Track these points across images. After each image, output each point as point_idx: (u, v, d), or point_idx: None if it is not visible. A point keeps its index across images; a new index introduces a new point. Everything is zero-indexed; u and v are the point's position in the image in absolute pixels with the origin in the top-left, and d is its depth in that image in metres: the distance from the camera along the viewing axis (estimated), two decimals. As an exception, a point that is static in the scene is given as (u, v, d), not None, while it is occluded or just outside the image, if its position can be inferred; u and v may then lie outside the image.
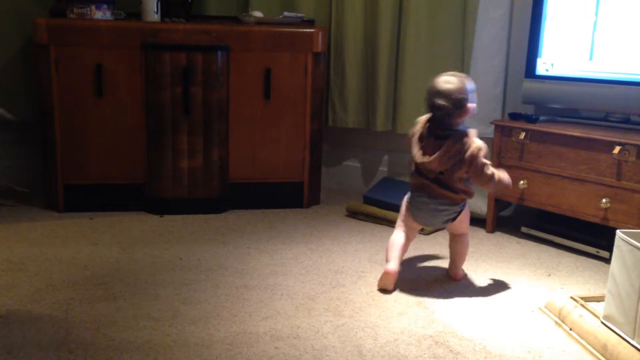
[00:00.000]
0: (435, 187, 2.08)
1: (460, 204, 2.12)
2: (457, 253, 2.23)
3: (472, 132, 2.06)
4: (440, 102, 2.01)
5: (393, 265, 2.10)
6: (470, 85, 2.05)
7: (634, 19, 2.43)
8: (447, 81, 2.03)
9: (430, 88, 2.06)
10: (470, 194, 2.12)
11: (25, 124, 3.07)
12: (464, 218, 2.17)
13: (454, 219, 2.13)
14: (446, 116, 2.02)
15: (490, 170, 2.05)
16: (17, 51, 2.97)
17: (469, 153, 2.01)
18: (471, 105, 2.03)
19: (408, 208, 2.18)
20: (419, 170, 2.11)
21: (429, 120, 2.11)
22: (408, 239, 2.18)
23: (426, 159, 2.05)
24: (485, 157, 2.04)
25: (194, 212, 2.85)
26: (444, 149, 2.02)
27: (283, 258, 2.38)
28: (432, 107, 2.05)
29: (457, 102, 2.00)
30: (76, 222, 2.70)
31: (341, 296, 2.07)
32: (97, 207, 2.83)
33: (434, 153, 2.04)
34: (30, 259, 2.28)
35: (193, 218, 2.80)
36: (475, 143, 2.02)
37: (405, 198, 2.21)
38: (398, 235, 2.17)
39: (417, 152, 2.09)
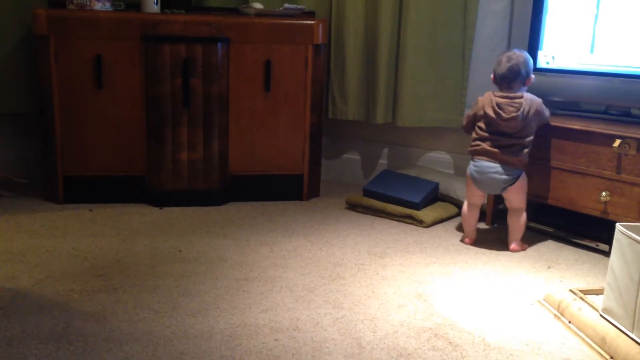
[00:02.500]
0: (499, 153, 2.36)
1: (518, 170, 2.39)
2: (513, 228, 2.46)
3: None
4: (518, 68, 2.36)
5: (469, 238, 2.53)
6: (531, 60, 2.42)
7: (635, 12, 2.42)
8: (519, 54, 2.38)
9: (505, 58, 2.38)
10: (526, 163, 2.40)
11: (25, 115, 3.06)
12: (521, 190, 2.42)
13: (512, 184, 2.38)
14: (520, 81, 2.38)
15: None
16: (17, 42, 2.96)
17: (538, 107, 2.38)
18: (533, 75, 2.42)
19: (470, 176, 2.44)
20: (482, 137, 2.40)
21: (499, 88, 2.41)
22: (474, 209, 2.50)
23: (513, 115, 2.33)
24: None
25: (193, 204, 2.85)
26: (524, 108, 2.34)
27: (283, 250, 2.38)
28: (510, 72, 2.36)
29: (528, 70, 2.39)
30: (76, 213, 2.70)
31: (341, 288, 2.07)
32: (96, 199, 2.83)
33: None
34: (30, 250, 2.28)
35: (193, 210, 2.80)
36: (537, 100, 2.40)
37: (468, 169, 2.46)
38: (465, 210, 2.52)
39: (495, 115, 2.35)
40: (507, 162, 2.36)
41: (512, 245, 2.46)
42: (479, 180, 2.41)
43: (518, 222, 2.45)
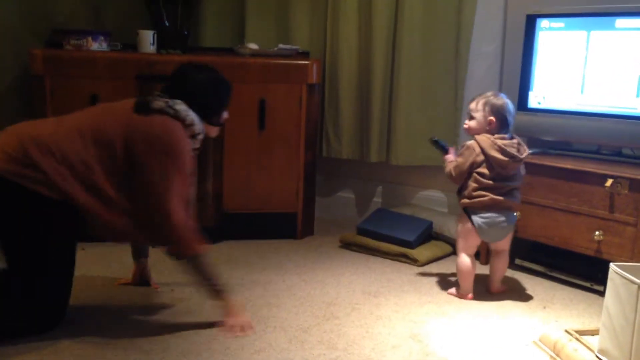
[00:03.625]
0: (506, 201, 2.28)
1: (517, 213, 2.39)
2: (499, 269, 2.42)
3: None
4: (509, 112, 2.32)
5: (471, 293, 2.38)
6: None
7: (624, 53, 2.47)
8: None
9: (508, 106, 2.32)
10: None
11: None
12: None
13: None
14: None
15: None
16: (13, 81, 2.98)
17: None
18: None
19: (478, 228, 2.30)
20: (485, 186, 2.27)
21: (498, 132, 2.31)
22: (474, 262, 2.38)
23: (524, 155, 2.28)
24: None
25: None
26: (523, 149, 2.29)
27: (276, 289, 2.36)
28: (510, 121, 2.33)
29: None
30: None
31: (335, 328, 2.05)
32: (89, 238, 2.80)
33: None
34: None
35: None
36: None
37: (465, 222, 2.33)
38: (467, 263, 2.36)
39: (508, 157, 2.25)
40: (513, 208, 2.31)
41: (498, 287, 2.43)
42: (486, 231, 2.29)
43: (505, 263, 2.42)
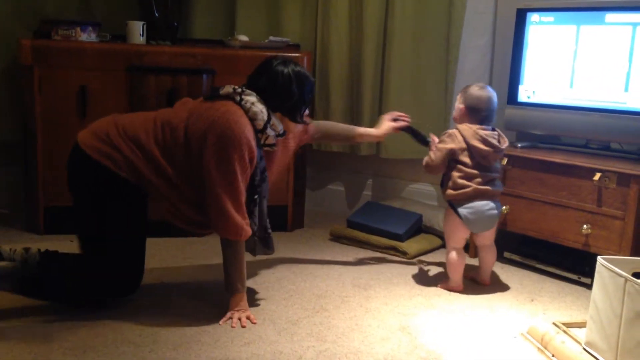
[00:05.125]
0: (491, 190, 2.29)
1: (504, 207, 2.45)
2: (489, 262, 2.44)
3: None
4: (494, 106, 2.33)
5: (460, 286, 2.38)
6: None
7: (613, 48, 2.48)
8: (491, 90, 2.33)
9: (485, 91, 2.31)
10: None
11: (6, 144, 3.04)
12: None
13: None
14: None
15: None
16: (2, 71, 2.96)
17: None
18: None
19: (465, 219, 2.29)
20: (468, 175, 2.27)
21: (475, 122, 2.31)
22: (462, 255, 2.37)
23: (505, 145, 2.31)
24: None
25: (176, 234, 2.82)
26: (503, 140, 2.31)
27: (266, 282, 2.36)
28: (494, 105, 2.32)
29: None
30: (56, 244, 2.65)
31: (324, 321, 2.06)
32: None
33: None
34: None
35: (176, 241, 2.78)
36: None
37: (451, 215, 2.34)
38: (455, 257, 2.35)
39: (489, 147, 2.27)
40: (497, 196, 2.33)
41: (488, 279, 2.45)
42: (473, 221, 2.28)
43: (494, 255, 2.44)
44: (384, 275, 2.50)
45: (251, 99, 2.02)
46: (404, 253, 2.71)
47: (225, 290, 2.06)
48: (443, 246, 2.82)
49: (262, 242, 2.23)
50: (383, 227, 2.81)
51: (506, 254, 2.71)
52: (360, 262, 2.65)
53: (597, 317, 1.77)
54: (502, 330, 2.06)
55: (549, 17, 2.64)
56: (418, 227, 2.89)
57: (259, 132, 2.03)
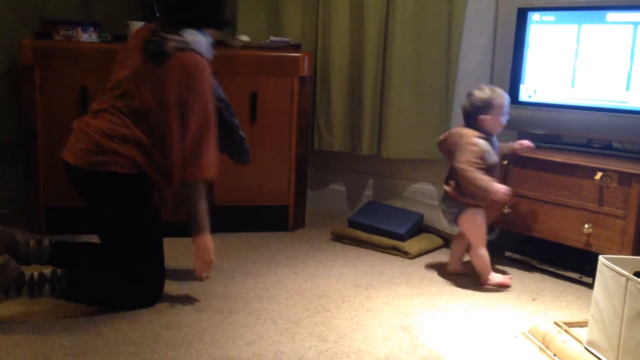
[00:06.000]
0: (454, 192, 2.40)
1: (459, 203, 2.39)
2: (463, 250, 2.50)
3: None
4: (464, 102, 2.38)
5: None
6: (495, 99, 2.33)
7: (614, 47, 2.48)
8: (480, 87, 2.36)
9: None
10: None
11: (7, 145, 3.04)
12: (467, 226, 2.40)
13: (455, 220, 2.42)
14: (465, 115, 2.39)
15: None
16: (2, 72, 2.96)
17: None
18: (484, 117, 2.33)
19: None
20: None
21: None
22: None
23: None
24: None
25: (177, 235, 2.82)
26: None
27: (267, 282, 2.37)
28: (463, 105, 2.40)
29: (475, 107, 2.34)
30: (58, 244, 2.67)
31: (325, 321, 2.06)
32: (79, 230, 2.79)
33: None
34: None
35: (177, 241, 2.77)
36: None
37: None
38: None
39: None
40: None
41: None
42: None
43: (473, 260, 2.47)
44: (385, 275, 2.50)
45: (191, 37, 2.06)
46: (405, 253, 2.70)
47: (191, 231, 2.11)
48: (444, 246, 2.82)
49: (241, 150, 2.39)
50: (384, 226, 2.80)
51: (507, 254, 2.71)
52: (362, 262, 2.65)
53: (599, 317, 1.77)
54: (503, 329, 2.06)
55: (550, 16, 2.64)
56: (419, 227, 2.89)
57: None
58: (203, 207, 2.11)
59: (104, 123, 2.08)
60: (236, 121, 2.31)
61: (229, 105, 2.29)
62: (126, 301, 2.07)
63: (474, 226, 2.38)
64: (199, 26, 2.10)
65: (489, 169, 2.32)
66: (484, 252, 2.38)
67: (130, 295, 2.08)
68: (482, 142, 2.32)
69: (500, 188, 2.27)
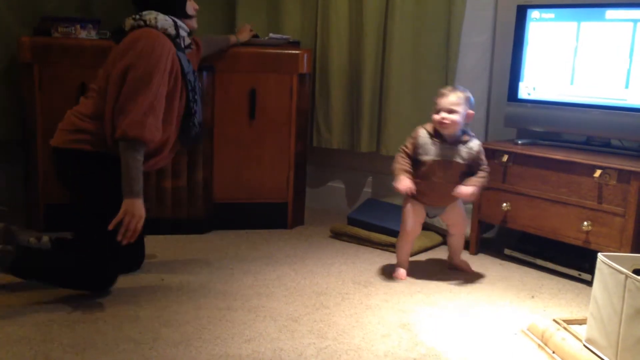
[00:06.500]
0: None
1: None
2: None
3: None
4: None
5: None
6: (437, 98, 2.34)
7: (613, 45, 2.48)
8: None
9: None
10: None
11: (6, 142, 3.04)
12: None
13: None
14: None
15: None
16: (1, 70, 2.95)
17: None
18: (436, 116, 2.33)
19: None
20: None
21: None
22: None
23: None
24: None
25: (177, 232, 2.83)
26: None
27: (267, 279, 2.37)
28: None
29: None
30: (57, 242, 2.66)
31: (325, 318, 2.06)
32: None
33: None
34: (7, 278, 2.24)
35: (176, 238, 2.78)
36: None
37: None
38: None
39: None
40: None
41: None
42: None
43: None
44: (384, 272, 2.50)
45: (151, 15, 2.17)
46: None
47: (123, 193, 2.08)
48: (443, 243, 2.82)
49: (200, 134, 2.39)
50: (383, 224, 2.80)
51: (506, 251, 2.71)
52: (361, 259, 2.65)
53: (598, 314, 1.77)
54: (502, 327, 2.06)
55: (549, 13, 2.63)
56: (418, 224, 2.89)
57: (176, 37, 2.21)
58: (134, 169, 2.07)
59: (81, 105, 2.23)
60: (195, 108, 2.30)
61: (197, 94, 2.32)
62: (76, 282, 2.09)
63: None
64: (162, 11, 2.20)
65: (427, 166, 2.33)
66: (399, 244, 2.47)
67: (81, 276, 2.09)
68: (421, 133, 2.37)
69: (401, 182, 2.31)
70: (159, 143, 2.20)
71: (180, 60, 2.21)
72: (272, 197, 2.97)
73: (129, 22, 2.20)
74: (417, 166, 2.35)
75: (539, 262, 2.61)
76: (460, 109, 2.30)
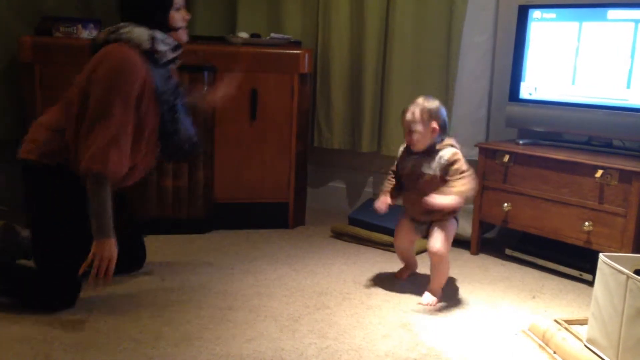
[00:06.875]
0: None
1: None
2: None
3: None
4: None
5: None
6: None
7: (615, 45, 2.47)
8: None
9: (443, 108, 2.26)
10: None
11: (6, 141, 3.04)
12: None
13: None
14: None
15: None
16: (2, 69, 2.95)
17: None
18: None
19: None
20: None
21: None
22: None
23: None
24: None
25: (178, 232, 2.83)
26: None
27: (267, 279, 2.37)
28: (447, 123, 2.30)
29: None
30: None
31: (326, 318, 2.06)
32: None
33: None
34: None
35: (177, 238, 2.78)
36: None
37: (452, 225, 2.29)
38: None
39: None
40: None
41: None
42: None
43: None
44: (385, 272, 2.50)
45: (125, 28, 2.01)
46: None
47: (92, 233, 1.92)
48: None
49: (191, 150, 2.21)
50: (384, 224, 2.80)
51: (507, 251, 2.71)
52: (362, 259, 2.65)
53: (599, 314, 1.77)
54: (503, 327, 2.06)
55: (550, 13, 2.63)
56: (419, 224, 2.89)
57: (151, 52, 2.01)
58: (99, 205, 1.91)
59: (45, 113, 2.11)
60: (178, 127, 2.11)
61: (179, 112, 2.12)
62: (34, 299, 2.00)
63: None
64: (142, 23, 2.04)
65: (403, 180, 2.27)
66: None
67: (38, 293, 2.00)
68: (400, 149, 2.31)
69: (377, 202, 2.25)
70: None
71: (155, 80, 2.03)
72: (272, 197, 2.97)
73: (100, 37, 2.05)
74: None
75: (540, 262, 2.60)
76: (419, 127, 2.16)
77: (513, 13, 2.75)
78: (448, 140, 2.22)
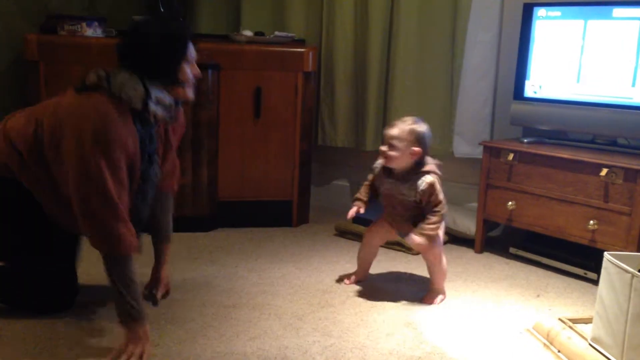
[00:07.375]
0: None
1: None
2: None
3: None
4: None
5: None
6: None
7: (620, 43, 2.46)
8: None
9: (429, 134, 2.17)
10: None
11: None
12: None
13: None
14: None
15: None
16: (7, 66, 2.96)
17: None
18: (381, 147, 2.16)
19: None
20: None
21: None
22: None
23: None
24: None
25: (182, 230, 2.82)
26: None
27: (271, 277, 2.37)
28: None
29: None
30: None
31: (329, 316, 2.06)
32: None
33: None
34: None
35: (181, 236, 2.77)
36: None
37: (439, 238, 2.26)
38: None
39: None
40: None
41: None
42: None
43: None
44: (389, 271, 2.50)
45: (120, 79, 1.72)
46: (409, 249, 2.70)
47: (119, 320, 1.73)
48: (448, 242, 2.82)
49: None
50: (388, 222, 2.80)
51: (512, 250, 2.70)
52: (366, 257, 2.64)
53: (604, 313, 1.76)
54: (507, 325, 2.06)
55: (555, 11, 2.62)
56: (423, 223, 2.88)
57: (142, 112, 1.75)
58: (126, 287, 1.71)
59: (10, 119, 1.91)
60: (136, 202, 1.85)
61: (147, 182, 1.88)
62: (31, 302, 1.95)
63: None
64: (143, 72, 1.75)
65: (384, 196, 2.25)
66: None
67: (35, 295, 1.95)
68: (377, 164, 2.25)
69: (352, 210, 2.25)
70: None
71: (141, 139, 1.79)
72: (277, 195, 2.97)
73: (92, 77, 1.76)
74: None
75: (545, 260, 2.60)
76: (401, 144, 2.09)
77: (518, 11, 2.74)
78: (429, 166, 2.14)
